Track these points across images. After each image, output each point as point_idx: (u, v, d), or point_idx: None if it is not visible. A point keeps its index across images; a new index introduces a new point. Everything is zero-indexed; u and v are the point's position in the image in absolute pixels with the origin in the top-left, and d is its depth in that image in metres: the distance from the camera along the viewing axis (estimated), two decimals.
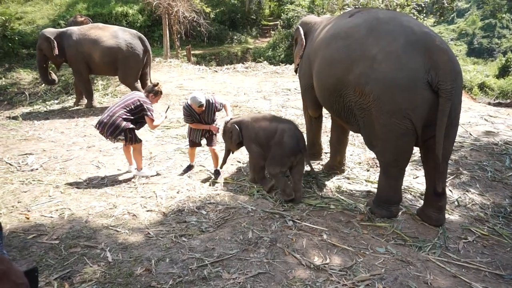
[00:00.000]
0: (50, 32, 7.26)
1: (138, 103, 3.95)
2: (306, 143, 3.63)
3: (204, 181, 4.05)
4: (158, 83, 4.18)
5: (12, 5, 14.80)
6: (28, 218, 3.04)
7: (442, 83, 2.66)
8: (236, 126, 3.80)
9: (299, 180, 3.56)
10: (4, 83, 10.27)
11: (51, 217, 3.08)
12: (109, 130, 3.86)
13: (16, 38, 11.88)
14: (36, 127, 6.44)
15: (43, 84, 9.18)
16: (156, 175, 4.15)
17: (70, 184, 3.87)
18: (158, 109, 7.04)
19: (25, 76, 10.79)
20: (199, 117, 3.98)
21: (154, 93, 4.09)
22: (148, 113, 3.98)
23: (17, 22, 12.93)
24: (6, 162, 4.48)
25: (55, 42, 6.99)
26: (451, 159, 3.88)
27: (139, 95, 4.06)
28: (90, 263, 2.38)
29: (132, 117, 3.98)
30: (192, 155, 4.30)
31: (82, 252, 2.52)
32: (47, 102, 8.43)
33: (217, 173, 4.13)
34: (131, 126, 3.97)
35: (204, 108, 3.88)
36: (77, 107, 7.74)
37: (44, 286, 2.15)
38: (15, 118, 7.08)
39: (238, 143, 3.86)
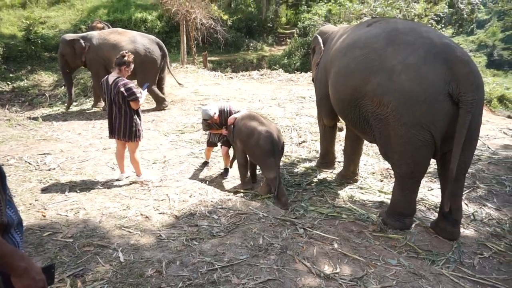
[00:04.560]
0: (71, 36, 7.48)
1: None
2: (283, 147, 3.82)
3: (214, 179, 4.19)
4: (126, 53, 3.89)
5: (36, 9, 15.30)
6: (44, 216, 3.11)
7: (463, 95, 2.61)
8: (232, 126, 4.05)
9: (281, 184, 3.65)
10: (26, 84, 10.61)
11: (67, 215, 3.15)
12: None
13: (39, 42, 12.28)
14: (55, 128, 6.61)
15: (63, 87, 9.43)
16: (159, 180, 4.11)
17: (86, 184, 3.95)
18: (174, 114, 7.15)
19: (46, 79, 11.13)
20: (218, 125, 4.33)
21: (127, 64, 3.83)
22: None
23: (40, 26, 13.35)
24: (26, 161, 4.61)
25: (82, 41, 7.19)
26: (468, 172, 3.81)
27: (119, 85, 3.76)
28: (102, 262, 2.42)
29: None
30: (209, 153, 4.72)
31: (95, 251, 2.56)
32: (65, 104, 8.63)
33: (226, 171, 4.51)
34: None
35: (218, 117, 4.24)
36: (95, 110, 7.91)
37: (58, 282, 2.19)
38: (35, 118, 7.28)
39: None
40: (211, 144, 4.63)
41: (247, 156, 3.98)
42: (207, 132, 4.68)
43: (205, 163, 4.74)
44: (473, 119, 2.73)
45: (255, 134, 3.68)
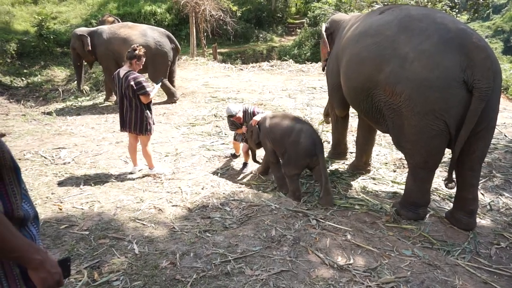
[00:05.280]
0: (82, 30, 7.54)
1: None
2: (322, 146, 3.59)
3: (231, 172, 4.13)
4: (137, 46, 3.89)
5: (48, 5, 15.44)
6: (61, 209, 3.18)
7: (477, 82, 2.54)
8: (257, 127, 3.91)
9: (327, 184, 3.45)
10: (39, 80, 10.78)
11: (82, 208, 3.20)
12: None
13: (51, 37, 12.42)
14: (69, 122, 6.70)
15: (75, 81, 9.55)
16: (171, 173, 4.13)
17: (100, 177, 4.00)
18: (185, 107, 7.18)
19: (59, 74, 11.28)
20: (241, 124, 4.39)
21: (137, 58, 3.83)
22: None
23: (52, 21, 13.48)
24: (41, 155, 4.69)
25: (88, 38, 7.25)
26: (484, 162, 3.74)
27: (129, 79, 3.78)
28: (118, 254, 2.46)
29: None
30: (237, 146, 4.70)
31: (111, 244, 2.60)
32: (79, 99, 8.76)
33: (245, 165, 4.54)
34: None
35: (242, 117, 4.29)
36: (107, 104, 7.99)
37: (75, 274, 2.24)
38: (49, 113, 7.40)
39: (258, 143, 3.94)
40: (236, 139, 4.66)
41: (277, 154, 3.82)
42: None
43: (234, 156, 4.74)
44: (490, 107, 2.66)
45: (294, 132, 3.51)
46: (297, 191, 3.56)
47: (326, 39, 4.17)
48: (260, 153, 4.42)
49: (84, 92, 8.41)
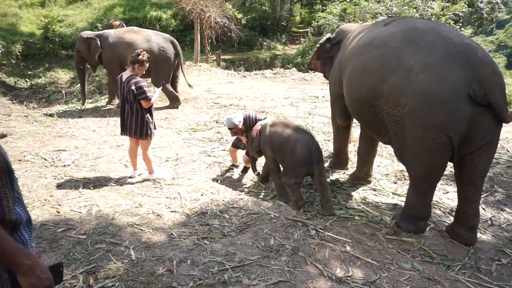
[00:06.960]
0: (89, 34, 7.59)
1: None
2: (321, 154, 3.54)
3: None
4: (141, 51, 3.90)
5: (55, 8, 15.58)
6: (58, 212, 3.16)
7: (491, 97, 2.54)
8: (258, 135, 3.88)
9: (325, 191, 3.45)
10: (43, 81, 10.83)
11: (80, 212, 3.18)
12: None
13: (57, 40, 12.50)
14: (70, 124, 6.71)
15: (79, 84, 9.59)
16: (171, 178, 4.12)
17: (99, 181, 3.99)
18: (186, 112, 7.18)
19: (63, 76, 11.33)
20: (243, 132, 4.30)
21: (140, 63, 3.84)
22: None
23: (58, 24, 13.57)
24: (42, 157, 4.69)
25: (98, 40, 7.30)
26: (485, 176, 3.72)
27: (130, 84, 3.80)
28: (114, 260, 2.43)
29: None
30: (234, 155, 4.67)
31: (107, 249, 2.58)
32: (81, 101, 8.75)
33: (245, 169, 4.56)
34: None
35: (242, 125, 4.20)
36: (109, 107, 8.01)
37: (70, 279, 2.21)
38: (51, 115, 7.41)
39: (258, 150, 3.91)
40: (235, 145, 4.59)
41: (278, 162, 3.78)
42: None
43: (233, 166, 4.69)
44: (494, 121, 2.65)
45: (291, 141, 3.50)
46: (300, 200, 3.53)
47: (319, 49, 4.39)
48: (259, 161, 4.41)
49: (85, 101, 8.35)
